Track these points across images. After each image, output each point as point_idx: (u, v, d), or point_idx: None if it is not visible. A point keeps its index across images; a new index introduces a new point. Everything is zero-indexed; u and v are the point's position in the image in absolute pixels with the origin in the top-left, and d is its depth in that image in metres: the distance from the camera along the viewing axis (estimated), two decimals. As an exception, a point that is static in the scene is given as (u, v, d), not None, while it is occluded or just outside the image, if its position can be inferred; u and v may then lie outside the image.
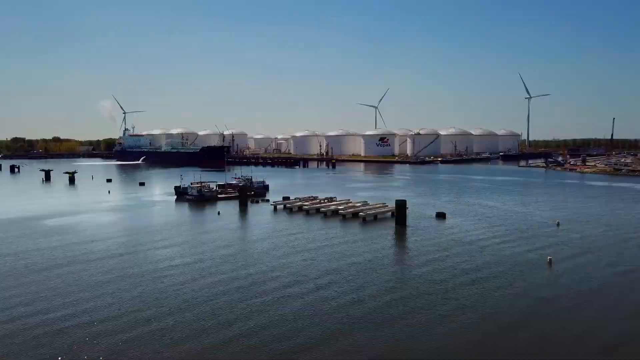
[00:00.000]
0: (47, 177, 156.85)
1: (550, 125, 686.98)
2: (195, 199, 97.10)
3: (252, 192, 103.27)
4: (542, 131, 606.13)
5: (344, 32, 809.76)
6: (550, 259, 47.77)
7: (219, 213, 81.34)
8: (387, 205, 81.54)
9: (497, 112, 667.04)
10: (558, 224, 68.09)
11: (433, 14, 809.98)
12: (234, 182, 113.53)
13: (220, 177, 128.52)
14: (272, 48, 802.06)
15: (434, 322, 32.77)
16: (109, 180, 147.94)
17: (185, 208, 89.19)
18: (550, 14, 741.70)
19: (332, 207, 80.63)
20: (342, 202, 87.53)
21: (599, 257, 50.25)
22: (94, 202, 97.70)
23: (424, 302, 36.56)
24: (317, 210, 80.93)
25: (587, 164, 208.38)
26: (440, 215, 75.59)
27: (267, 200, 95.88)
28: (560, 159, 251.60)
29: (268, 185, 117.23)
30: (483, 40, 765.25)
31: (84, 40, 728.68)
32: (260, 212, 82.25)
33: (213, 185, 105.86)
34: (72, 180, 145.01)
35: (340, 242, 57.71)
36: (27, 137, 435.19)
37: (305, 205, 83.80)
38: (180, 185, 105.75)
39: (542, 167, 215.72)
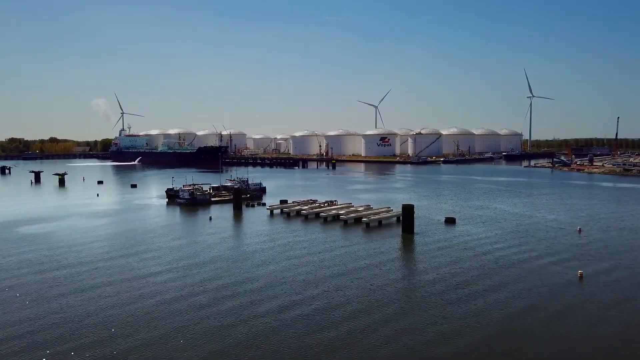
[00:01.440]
0: (37, 179, 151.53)
1: (550, 124, 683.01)
2: (187, 202, 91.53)
3: (248, 195, 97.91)
4: (542, 131, 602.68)
5: (344, 31, 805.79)
6: (580, 273, 42.30)
7: (210, 218, 75.67)
8: (391, 210, 76.05)
9: (498, 112, 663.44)
10: (579, 231, 62.62)
11: (433, 13, 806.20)
12: (229, 184, 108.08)
13: (215, 179, 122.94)
14: (272, 48, 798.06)
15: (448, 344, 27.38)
16: (99, 182, 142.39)
17: (175, 212, 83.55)
18: (550, 14, 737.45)
19: (333, 212, 75.17)
20: (343, 206, 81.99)
21: (632, 269, 44.80)
22: (81, 206, 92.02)
23: (442, 327, 31.15)
24: (317, 215, 75.43)
25: (594, 164, 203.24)
26: (450, 221, 70.06)
27: (264, 204, 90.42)
28: (563, 157, 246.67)
29: (265, 187, 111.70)
30: (483, 40, 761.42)
31: (83, 40, 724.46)
32: (255, 218, 76.65)
33: (206, 188, 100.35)
34: (62, 182, 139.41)
35: (342, 253, 52.17)
36: (26, 138, 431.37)
37: (303, 209, 78.27)
38: (172, 188, 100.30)
39: (548, 167, 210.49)
